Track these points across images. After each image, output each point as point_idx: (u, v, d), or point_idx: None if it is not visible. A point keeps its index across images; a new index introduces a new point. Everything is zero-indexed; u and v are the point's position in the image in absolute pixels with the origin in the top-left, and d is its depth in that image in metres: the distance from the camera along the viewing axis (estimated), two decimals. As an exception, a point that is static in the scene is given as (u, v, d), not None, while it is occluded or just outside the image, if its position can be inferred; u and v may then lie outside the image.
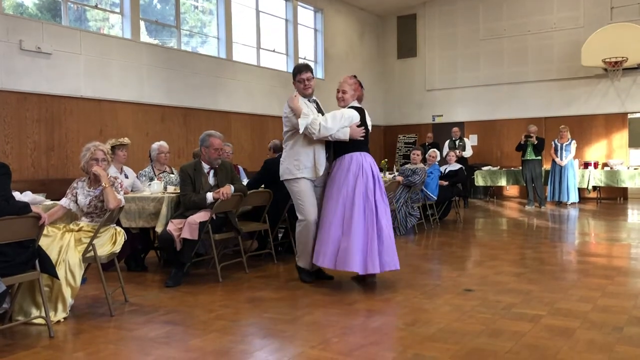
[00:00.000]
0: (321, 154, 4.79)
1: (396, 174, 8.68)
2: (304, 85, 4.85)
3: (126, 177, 5.97)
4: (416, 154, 8.53)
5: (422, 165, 8.53)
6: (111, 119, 9.00)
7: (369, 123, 4.91)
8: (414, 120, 16.03)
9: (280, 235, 6.45)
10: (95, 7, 9.40)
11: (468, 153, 12.82)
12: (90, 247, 3.88)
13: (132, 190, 5.84)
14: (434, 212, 9.11)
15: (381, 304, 4.19)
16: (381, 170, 10.17)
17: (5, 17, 7.78)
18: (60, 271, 3.74)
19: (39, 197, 4.53)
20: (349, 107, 4.75)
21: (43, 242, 3.64)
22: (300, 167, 4.76)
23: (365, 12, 15.65)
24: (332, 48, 14.48)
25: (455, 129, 13.16)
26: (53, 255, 3.74)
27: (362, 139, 4.73)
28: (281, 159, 4.94)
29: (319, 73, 14.13)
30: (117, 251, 4.14)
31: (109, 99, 9.00)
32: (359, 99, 4.91)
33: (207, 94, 10.74)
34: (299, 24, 13.40)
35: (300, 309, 4.06)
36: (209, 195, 5.06)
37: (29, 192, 4.39)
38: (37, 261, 3.43)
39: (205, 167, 5.28)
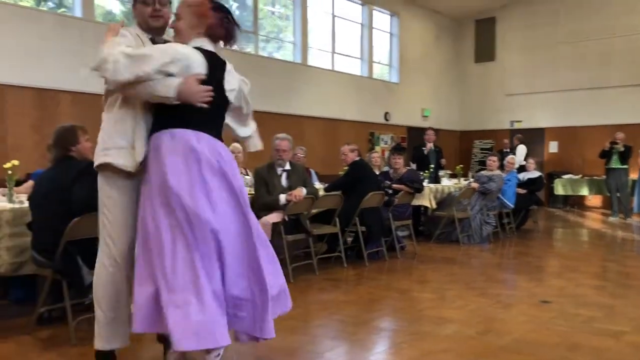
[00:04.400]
0: (141, 124, 2.64)
1: (471, 180, 8.48)
2: (152, 8, 2.75)
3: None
4: (492, 160, 8.30)
5: (498, 172, 8.29)
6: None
7: (231, 86, 2.75)
8: (491, 125, 15.60)
9: (350, 239, 6.46)
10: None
11: (519, 161, 12.28)
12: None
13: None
14: (511, 220, 8.83)
15: (452, 311, 4.10)
16: (455, 176, 9.96)
17: (96, 25, 8.24)
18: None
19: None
20: (191, 47, 2.64)
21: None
22: (108, 144, 2.65)
23: (441, 16, 15.42)
24: (408, 52, 14.36)
25: (505, 141, 13.02)
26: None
27: (205, 106, 2.56)
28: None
29: (394, 77, 14.05)
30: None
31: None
32: (213, 36, 2.74)
33: (282, 98, 10.92)
34: (374, 28, 13.39)
35: (369, 313, 4.05)
36: (282, 197, 5.17)
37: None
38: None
39: (279, 169, 5.40)
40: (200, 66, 2.57)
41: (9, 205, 3.86)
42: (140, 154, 2.59)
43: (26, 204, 3.85)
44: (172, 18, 2.79)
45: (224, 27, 2.72)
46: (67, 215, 3.25)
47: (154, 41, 2.76)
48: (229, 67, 2.76)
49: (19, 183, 4.38)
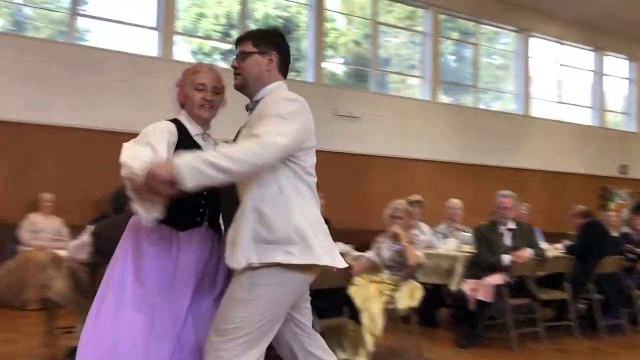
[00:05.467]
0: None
1: None
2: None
3: (422, 233, 6.19)
4: None
5: None
6: (408, 176, 9.48)
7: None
8: None
9: (582, 307, 5.84)
10: (399, 73, 10.22)
11: None
12: (391, 299, 4.10)
13: (427, 247, 6.02)
14: None
15: None
16: None
17: (323, 87, 8.98)
18: (364, 319, 4.02)
19: (347, 248, 4.99)
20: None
21: (350, 290, 3.98)
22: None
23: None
24: (647, 98, 12.87)
25: None
26: (357, 303, 4.05)
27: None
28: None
29: (630, 126, 12.67)
30: (415, 305, 4.28)
31: (406, 157, 9.54)
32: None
33: (501, 150, 10.55)
34: (606, 74, 12.32)
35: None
36: (505, 258, 4.94)
37: (340, 243, 4.88)
38: (345, 307, 3.77)
39: (501, 227, 5.19)
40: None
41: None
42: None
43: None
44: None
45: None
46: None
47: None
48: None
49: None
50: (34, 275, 5.68)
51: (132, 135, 2.38)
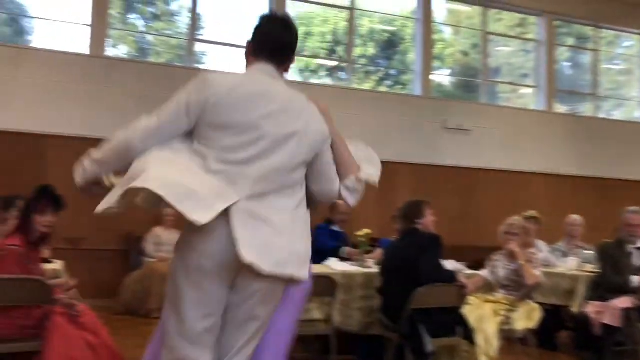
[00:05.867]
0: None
1: None
2: None
3: (539, 251, 5.88)
4: None
5: None
6: (522, 191, 9.07)
7: None
8: None
9: None
10: (510, 83, 9.85)
11: None
12: (507, 320, 3.93)
13: (545, 265, 5.71)
14: None
15: None
16: None
17: (431, 100, 8.85)
18: (478, 339, 3.88)
19: (460, 266, 4.85)
20: None
21: (464, 310, 3.86)
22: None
23: None
24: None
25: None
26: (471, 323, 3.92)
27: None
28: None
29: None
30: (533, 327, 4.07)
31: (520, 171, 9.14)
32: None
33: (626, 162, 9.80)
34: None
35: None
36: (635, 279, 4.58)
37: (453, 261, 4.75)
38: (459, 327, 3.66)
39: (630, 247, 4.83)
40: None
41: (361, 270, 4.32)
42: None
43: (374, 269, 4.26)
44: None
45: None
46: (414, 284, 3.46)
47: None
48: None
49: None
50: (158, 285, 6.04)
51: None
